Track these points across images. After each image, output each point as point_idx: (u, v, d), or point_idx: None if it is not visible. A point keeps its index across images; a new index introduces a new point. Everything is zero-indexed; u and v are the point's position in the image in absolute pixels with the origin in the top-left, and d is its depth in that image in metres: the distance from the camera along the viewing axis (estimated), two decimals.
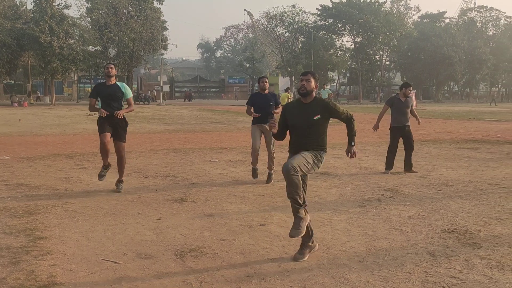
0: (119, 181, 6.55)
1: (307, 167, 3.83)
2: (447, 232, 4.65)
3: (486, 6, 73.36)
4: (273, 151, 7.26)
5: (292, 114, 4.07)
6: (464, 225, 4.92)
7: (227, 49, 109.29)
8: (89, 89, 55.37)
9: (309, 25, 62.90)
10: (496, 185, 7.07)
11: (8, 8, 42.70)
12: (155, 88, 58.84)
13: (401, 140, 8.25)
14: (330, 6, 61.77)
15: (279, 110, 6.94)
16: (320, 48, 58.97)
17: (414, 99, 8.31)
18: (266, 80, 7.33)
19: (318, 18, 63.53)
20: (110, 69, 6.35)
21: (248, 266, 3.75)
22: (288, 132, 4.17)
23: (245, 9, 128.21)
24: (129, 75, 49.60)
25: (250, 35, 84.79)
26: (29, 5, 44.58)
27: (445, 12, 78.28)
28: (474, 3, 75.42)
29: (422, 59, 65.54)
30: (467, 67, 66.23)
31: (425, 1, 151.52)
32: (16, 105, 37.51)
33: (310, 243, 4.00)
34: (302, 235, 3.81)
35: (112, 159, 6.56)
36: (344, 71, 67.17)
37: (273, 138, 6.89)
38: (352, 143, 4.07)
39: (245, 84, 72.90)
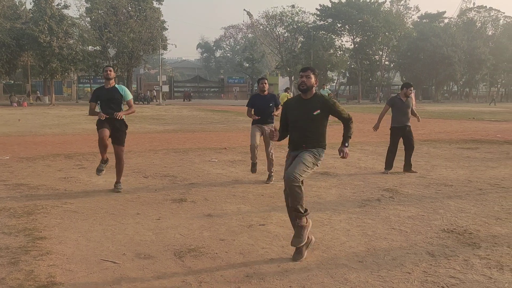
0: (117, 182, 6.58)
1: (307, 172, 3.86)
2: (446, 232, 4.66)
3: (486, 6, 73.46)
4: (271, 153, 7.25)
5: (292, 110, 4.10)
6: (463, 225, 4.92)
7: (227, 49, 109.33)
8: (89, 89, 55.46)
9: (309, 25, 62.89)
10: (495, 185, 7.07)
11: (8, 8, 42.68)
12: (155, 88, 58.83)
13: (401, 140, 8.26)
14: (330, 6, 61.80)
15: (278, 112, 6.91)
16: (320, 48, 59.01)
17: (413, 99, 8.31)
18: (266, 81, 7.32)
19: (318, 18, 63.54)
20: (108, 72, 6.36)
21: (247, 266, 3.75)
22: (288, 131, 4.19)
23: (244, 9, 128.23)
24: (128, 75, 49.61)
25: (250, 35, 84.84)
26: (29, 5, 44.69)
27: (445, 12, 78.20)
28: (474, 3, 75.56)
29: (421, 59, 65.58)
30: (466, 67, 66.27)
31: (425, 1, 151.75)
32: (16, 105, 37.48)
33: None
34: (304, 243, 3.82)
35: (112, 159, 6.58)
36: (343, 71, 67.22)
37: (271, 141, 6.92)
38: (346, 144, 4.08)
39: (245, 84, 72.92)
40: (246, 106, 7.44)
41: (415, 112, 8.46)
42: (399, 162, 8.31)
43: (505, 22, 75.43)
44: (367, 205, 5.78)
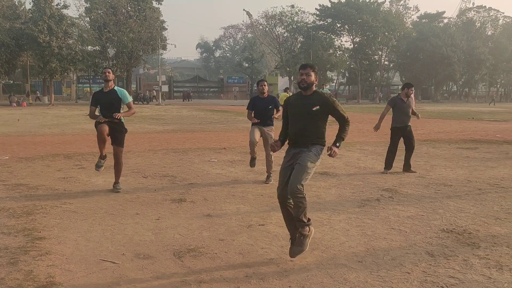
0: (116, 183, 6.60)
1: (308, 176, 3.86)
2: (446, 232, 4.66)
3: (485, 6, 73.47)
4: (270, 155, 7.25)
5: (292, 105, 4.13)
6: (462, 225, 4.92)
7: (226, 49, 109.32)
8: (88, 89, 55.44)
9: (308, 25, 62.90)
10: (494, 184, 7.08)
11: (7, 8, 42.61)
12: (154, 88, 58.83)
13: (401, 140, 8.26)
14: (329, 6, 61.80)
15: (278, 115, 6.89)
16: (319, 48, 59.00)
17: (413, 99, 8.31)
18: (265, 83, 7.28)
19: (317, 18, 63.54)
20: (107, 73, 6.37)
21: (247, 266, 3.75)
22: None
23: (244, 9, 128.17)
24: (128, 75, 49.60)
25: (249, 35, 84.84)
26: (28, 5, 44.53)
27: (444, 12, 78.39)
28: (473, 3, 75.63)
29: (421, 59, 65.59)
30: (465, 67, 66.30)
31: (424, 1, 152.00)
32: (15, 105, 37.45)
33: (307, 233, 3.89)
34: (304, 252, 3.82)
35: (110, 159, 6.58)
36: (343, 71, 67.22)
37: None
38: (337, 144, 3.99)
39: (244, 84, 72.91)
40: (247, 108, 7.43)
41: (414, 110, 8.47)
42: (398, 162, 8.32)
43: (504, 22, 75.48)
44: (367, 205, 5.78)
